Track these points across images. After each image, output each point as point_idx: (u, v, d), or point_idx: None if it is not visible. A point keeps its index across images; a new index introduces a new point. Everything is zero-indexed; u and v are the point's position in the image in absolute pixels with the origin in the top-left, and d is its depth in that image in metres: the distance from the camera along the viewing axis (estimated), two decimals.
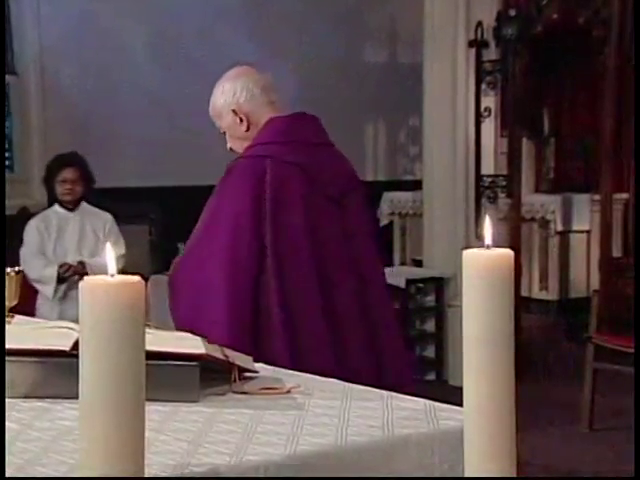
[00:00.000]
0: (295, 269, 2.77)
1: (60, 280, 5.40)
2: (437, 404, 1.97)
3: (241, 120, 2.95)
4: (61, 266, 5.41)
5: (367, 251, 2.93)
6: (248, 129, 2.95)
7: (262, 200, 2.76)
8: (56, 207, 5.59)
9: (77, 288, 1.25)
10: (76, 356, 1.26)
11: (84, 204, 5.60)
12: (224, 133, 3.03)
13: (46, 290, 5.41)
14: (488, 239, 1.31)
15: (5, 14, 7.10)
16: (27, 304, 4.35)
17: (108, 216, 5.65)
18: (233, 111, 2.95)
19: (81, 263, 5.46)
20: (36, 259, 5.44)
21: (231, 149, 3.04)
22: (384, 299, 2.98)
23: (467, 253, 1.30)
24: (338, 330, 2.80)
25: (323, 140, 2.94)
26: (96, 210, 5.64)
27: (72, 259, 5.47)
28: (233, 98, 2.95)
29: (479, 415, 1.30)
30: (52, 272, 5.39)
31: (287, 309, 2.76)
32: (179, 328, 2.66)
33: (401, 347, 3.02)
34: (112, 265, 1.25)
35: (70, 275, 5.40)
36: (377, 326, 2.88)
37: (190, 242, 2.93)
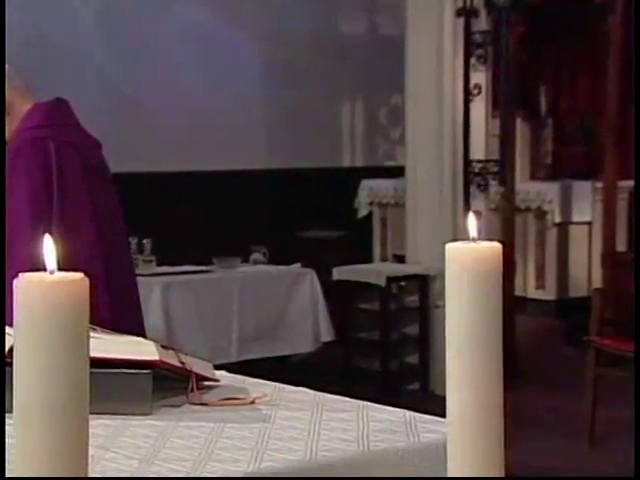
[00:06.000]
0: (80, 230, 3.71)
1: None
2: (418, 415, 1.98)
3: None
4: None
5: (117, 210, 3.97)
6: (7, 114, 3.94)
7: (50, 174, 3.69)
8: None
9: None
10: (11, 364, 1.26)
11: None
12: None
13: None
14: (473, 231, 1.31)
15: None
16: None
17: None
18: None
19: None
20: None
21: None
22: (124, 250, 4.01)
23: (450, 247, 1.31)
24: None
25: (76, 121, 3.89)
26: None
27: None
28: None
29: (464, 427, 1.30)
30: None
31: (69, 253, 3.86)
32: None
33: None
34: (51, 260, 1.25)
35: None
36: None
37: None
